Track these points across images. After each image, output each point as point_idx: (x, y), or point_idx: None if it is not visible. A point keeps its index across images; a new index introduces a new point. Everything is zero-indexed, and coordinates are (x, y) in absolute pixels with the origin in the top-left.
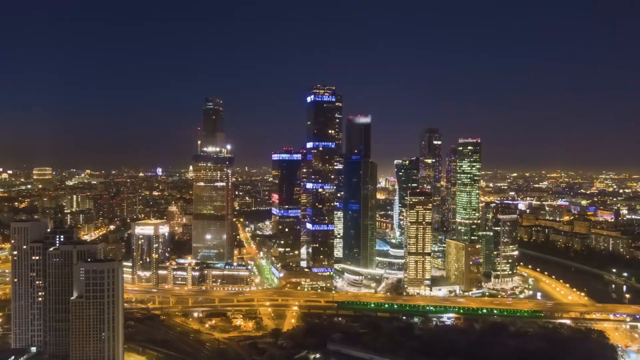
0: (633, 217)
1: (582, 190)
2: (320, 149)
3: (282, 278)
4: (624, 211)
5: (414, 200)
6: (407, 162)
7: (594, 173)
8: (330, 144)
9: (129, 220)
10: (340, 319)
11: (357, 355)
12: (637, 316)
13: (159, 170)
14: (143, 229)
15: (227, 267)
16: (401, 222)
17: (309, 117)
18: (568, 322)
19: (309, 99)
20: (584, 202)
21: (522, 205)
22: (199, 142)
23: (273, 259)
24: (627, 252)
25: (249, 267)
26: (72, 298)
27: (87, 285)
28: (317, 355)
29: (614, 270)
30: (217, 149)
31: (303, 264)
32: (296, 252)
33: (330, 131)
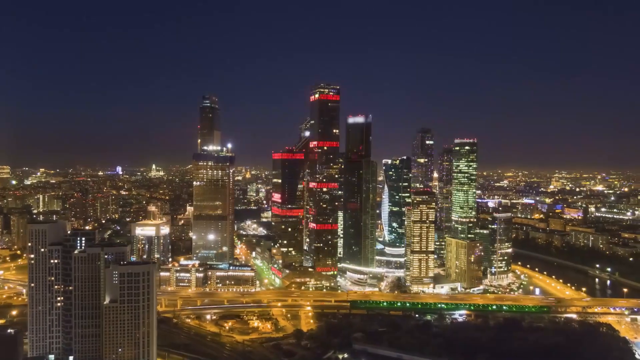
0: (597, 214)
1: (542, 189)
2: (325, 148)
3: (285, 278)
4: (592, 209)
5: (417, 199)
6: (398, 161)
7: (547, 172)
8: (335, 143)
9: (104, 221)
10: (353, 318)
11: (384, 354)
12: (635, 309)
13: (119, 169)
14: (143, 230)
15: (231, 267)
16: (391, 221)
17: (312, 116)
18: (574, 316)
19: (312, 98)
20: (548, 200)
21: (491, 204)
22: (199, 140)
23: (274, 259)
24: (606, 248)
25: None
26: (105, 303)
27: (121, 289)
28: (345, 355)
29: (597, 265)
30: (218, 148)
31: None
32: (294, 252)
33: (334, 130)
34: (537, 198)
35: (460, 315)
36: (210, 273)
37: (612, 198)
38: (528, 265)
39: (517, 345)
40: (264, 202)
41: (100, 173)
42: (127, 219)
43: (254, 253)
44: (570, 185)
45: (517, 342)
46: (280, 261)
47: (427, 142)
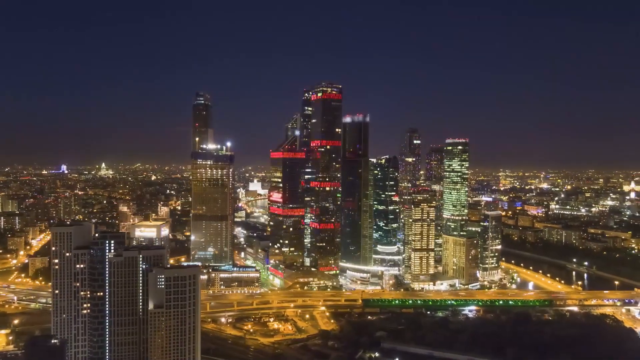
0: (556, 211)
1: (494, 187)
2: (328, 147)
3: (288, 278)
4: (552, 206)
5: (419, 198)
6: (383, 160)
7: (491, 171)
8: (337, 142)
9: (68, 222)
10: (369, 317)
11: (414, 352)
12: (627, 300)
13: (64, 168)
14: (143, 232)
15: (235, 268)
16: (376, 220)
17: (314, 115)
18: (575, 309)
19: (314, 97)
20: (504, 198)
21: None
22: (197, 139)
23: (274, 259)
24: (579, 243)
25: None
26: (149, 308)
27: (167, 294)
28: (376, 354)
29: (574, 260)
30: (218, 146)
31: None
32: (295, 251)
33: (337, 130)
34: (493, 196)
35: (470, 311)
36: (214, 275)
37: (562, 195)
38: (513, 261)
39: (538, 339)
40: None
41: (45, 172)
42: (94, 220)
43: (242, 253)
44: (517, 183)
45: (536, 336)
46: (276, 261)
47: (415, 141)
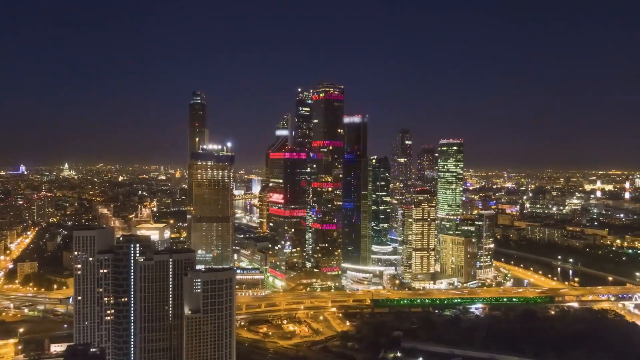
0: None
1: (463, 187)
2: (330, 148)
3: (290, 280)
4: (527, 204)
5: (419, 198)
6: (374, 161)
7: None
8: (339, 143)
9: (43, 224)
10: (380, 317)
11: (435, 351)
12: (620, 295)
13: (23, 168)
14: (145, 234)
15: (239, 271)
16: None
17: (314, 116)
18: (575, 304)
19: (315, 97)
20: (476, 197)
21: None
22: (197, 139)
23: (274, 260)
24: (561, 241)
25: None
26: (186, 313)
27: (204, 298)
28: (398, 354)
29: (559, 257)
30: (219, 147)
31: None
32: (297, 253)
33: (339, 130)
34: (465, 195)
35: (476, 308)
36: None
37: (530, 195)
38: (502, 259)
39: (550, 334)
40: None
41: (3, 173)
42: (69, 223)
43: (235, 255)
44: (483, 182)
45: (548, 331)
46: (276, 262)
47: (406, 142)
